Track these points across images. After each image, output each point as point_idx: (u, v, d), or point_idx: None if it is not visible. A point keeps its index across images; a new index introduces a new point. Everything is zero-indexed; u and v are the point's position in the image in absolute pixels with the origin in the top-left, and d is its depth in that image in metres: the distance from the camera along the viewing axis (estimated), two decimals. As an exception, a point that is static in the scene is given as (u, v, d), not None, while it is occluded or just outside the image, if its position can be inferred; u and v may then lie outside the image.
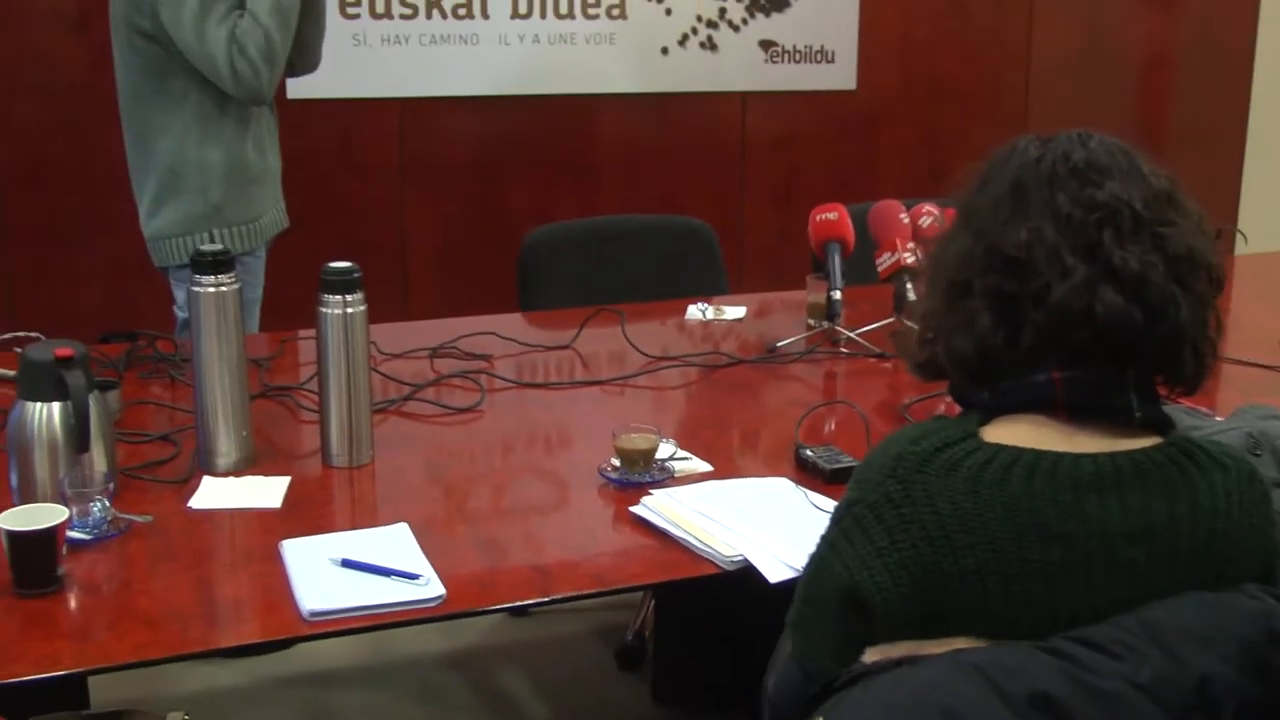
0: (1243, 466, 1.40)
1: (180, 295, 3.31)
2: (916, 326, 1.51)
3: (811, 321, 3.13)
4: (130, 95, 3.29)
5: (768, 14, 5.47)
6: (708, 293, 3.55)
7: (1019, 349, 1.36)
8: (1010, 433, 1.36)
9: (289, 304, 3.37)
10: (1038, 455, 1.32)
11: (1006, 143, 1.46)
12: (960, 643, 1.31)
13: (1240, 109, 6.47)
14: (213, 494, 2.14)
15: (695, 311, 3.32)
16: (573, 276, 3.67)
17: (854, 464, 2.15)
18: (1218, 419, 2.25)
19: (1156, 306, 1.33)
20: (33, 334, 2.70)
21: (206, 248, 2.19)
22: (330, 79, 4.76)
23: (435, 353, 2.91)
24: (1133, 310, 1.33)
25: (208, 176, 3.27)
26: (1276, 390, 2.72)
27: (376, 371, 2.65)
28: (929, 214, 3.11)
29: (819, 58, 5.62)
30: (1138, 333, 1.33)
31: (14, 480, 2.01)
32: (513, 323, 3.25)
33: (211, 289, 2.15)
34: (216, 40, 3.09)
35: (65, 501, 1.90)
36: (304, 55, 3.45)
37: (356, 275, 2.21)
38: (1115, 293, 1.33)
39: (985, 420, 1.39)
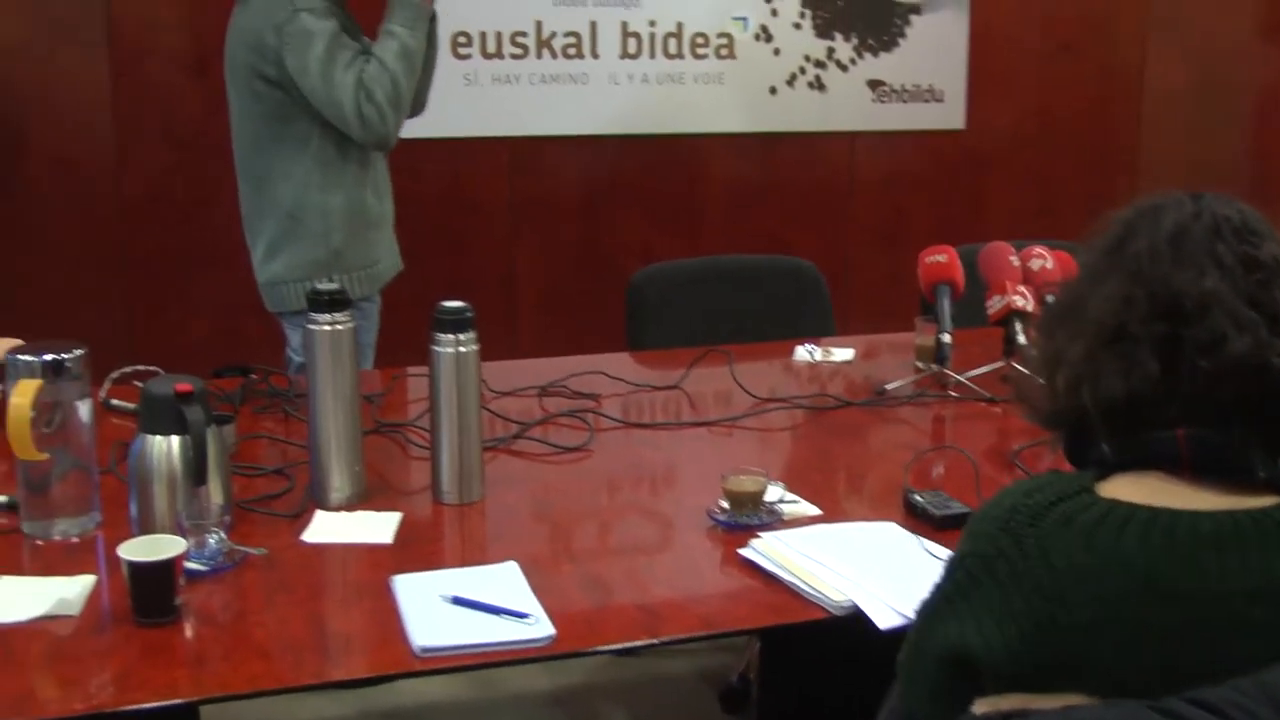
0: None
1: (295, 339, 3.32)
2: (1038, 373, 1.47)
3: (920, 364, 3.11)
4: (249, 140, 3.30)
5: (876, 54, 5.47)
6: (815, 333, 3.54)
7: (1175, 398, 1.33)
8: (1128, 488, 1.34)
9: (400, 340, 3.42)
10: (1155, 512, 1.30)
11: (1148, 197, 1.43)
12: (1071, 699, 1.28)
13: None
14: (325, 528, 2.17)
15: (803, 353, 3.31)
16: (680, 316, 3.68)
17: (964, 510, 2.13)
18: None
19: None
20: (152, 368, 2.77)
21: (323, 286, 2.22)
22: (442, 118, 4.82)
23: (544, 391, 2.93)
24: None
25: (329, 221, 3.28)
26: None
27: (486, 409, 2.66)
28: (1040, 257, 3.07)
29: (928, 97, 5.60)
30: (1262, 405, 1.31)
31: (134, 510, 2.06)
32: (621, 362, 3.26)
33: (327, 327, 2.19)
34: (344, 86, 3.11)
35: (183, 533, 1.94)
36: (415, 99, 3.49)
37: (469, 315, 2.24)
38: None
39: (1101, 476, 1.37)
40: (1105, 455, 1.37)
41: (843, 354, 3.32)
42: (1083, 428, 1.40)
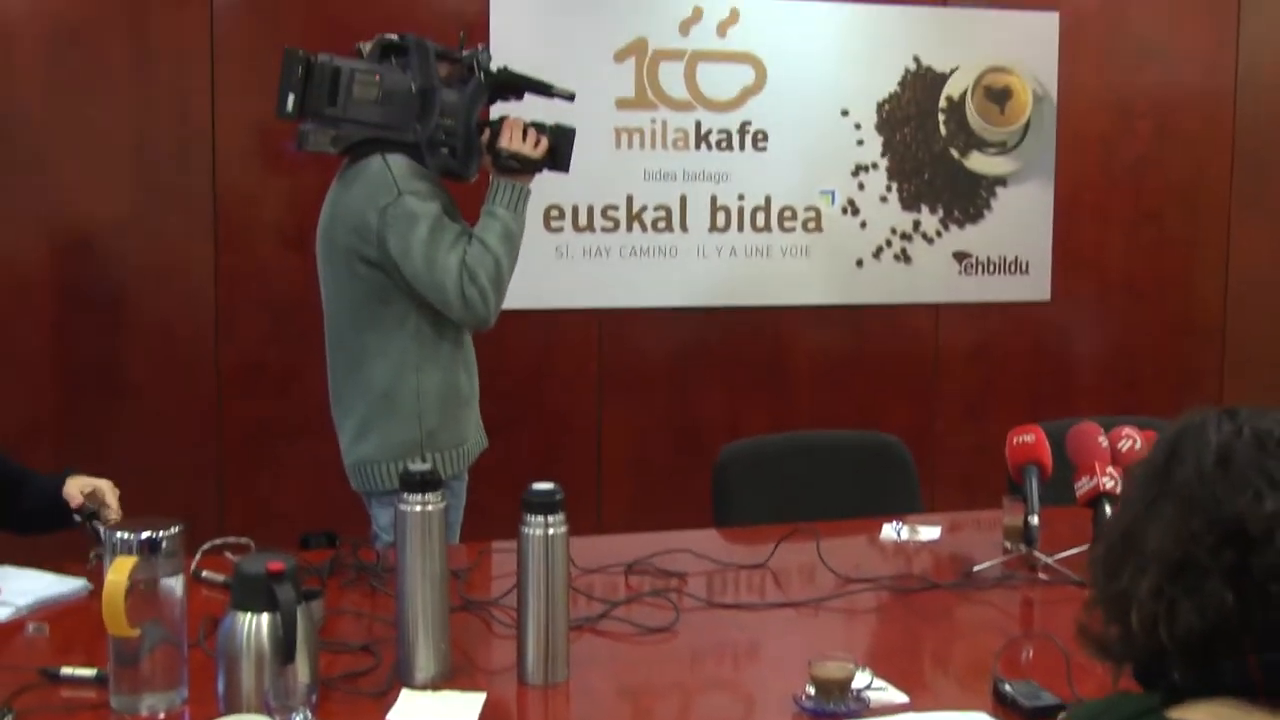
0: None
1: (384, 518, 3.29)
2: (1106, 614, 1.42)
3: (1008, 544, 3.07)
4: (346, 320, 3.31)
5: (961, 225, 5.52)
6: (902, 509, 3.52)
7: (1250, 625, 1.30)
8: (1200, 714, 1.31)
9: (487, 510, 3.44)
10: None
11: (1184, 416, 1.42)
12: None
13: None
14: (410, 708, 2.17)
15: (890, 531, 3.29)
16: (767, 492, 3.67)
17: (1055, 702, 2.10)
18: None
19: None
20: (243, 540, 2.81)
21: (415, 467, 2.26)
22: (533, 290, 4.93)
23: (630, 569, 2.93)
24: None
25: (424, 401, 3.27)
26: None
27: (572, 588, 2.67)
28: (1128, 437, 3.05)
29: (1013, 269, 5.62)
30: None
31: (220, 687, 2.07)
32: (707, 539, 3.26)
33: (418, 508, 2.22)
34: (448, 268, 3.14)
35: (269, 711, 1.95)
36: None
37: (559, 497, 2.26)
38: None
39: (1172, 700, 1.34)
40: (1176, 681, 1.34)
41: (929, 532, 3.30)
42: (1156, 657, 1.38)
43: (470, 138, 3.23)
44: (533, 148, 3.28)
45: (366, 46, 3.25)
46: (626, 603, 2.71)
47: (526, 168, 3.29)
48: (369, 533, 3.38)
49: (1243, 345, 5.85)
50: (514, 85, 3.34)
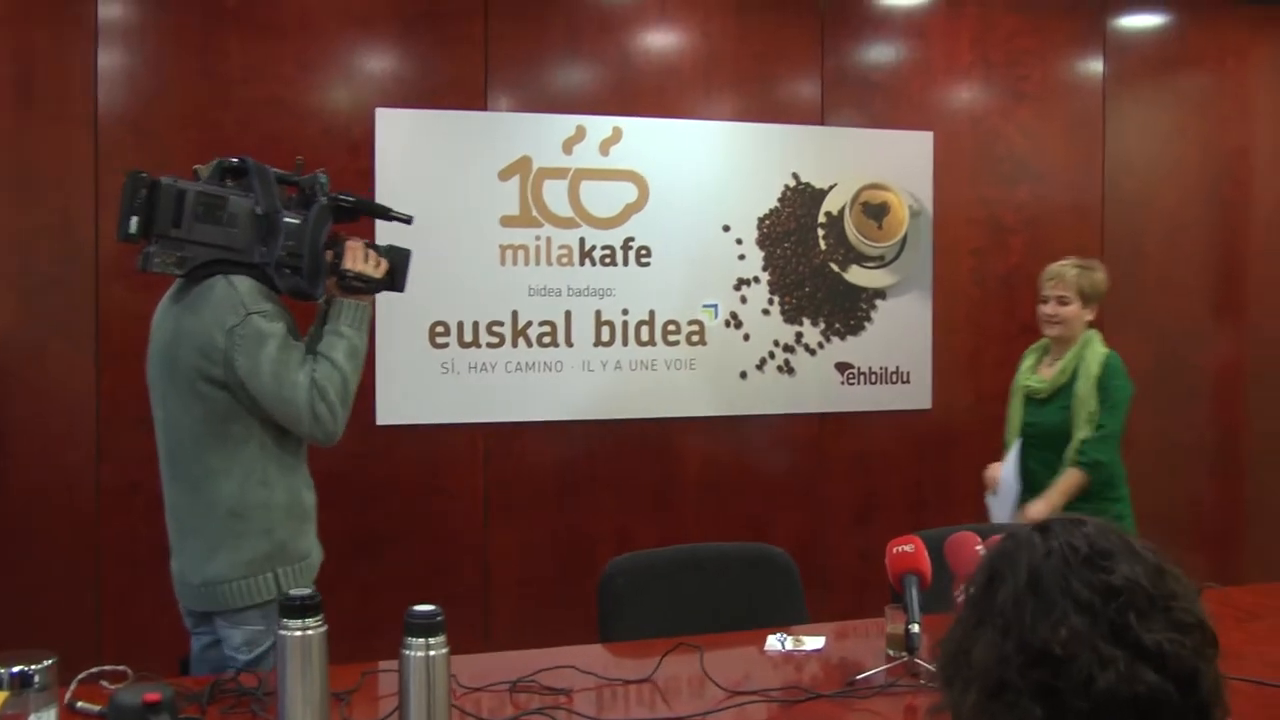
0: None
1: (236, 638, 3.23)
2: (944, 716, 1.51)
3: (891, 652, 3.12)
4: (188, 441, 3.27)
5: (843, 337, 5.63)
6: (788, 619, 3.55)
7: None
8: None
9: (373, 628, 3.42)
10: None
11: (1005, 535, 1.49)
12: None
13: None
14: (292, 837, 2.15)
15: (774, 642, 3.32)
16: (654, 605, 3.69)
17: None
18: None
19: (1187, 680, 1.36)
20: (119, 667, 2.76)
21: (295, 592, 2.26)
22: (418, 405, 4.95)
23: (514, 687, 2.92)
24: (1169, 688, 1.35)
25: (273, 516, 3.26)
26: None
27: (456, 707, 2.66)
28: (1005, 544, 3.11)
29: (894, 378, 5.74)
30: (1175, 710, 1.36)
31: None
32: (593, 654, 3.26)
33: (299, 632, 2.22)
34: (297, 386, 3.16)
35: (148, 846, 1.92)
36: None
37: (439, 619, 2.27)
38: (1153, 673, 1.35)
39: None
40: None
41: (814, 642, 3.33)
42: None
43: (317, 260, 3.25)
44: (375, 268, 3.33)
45: (205, 169, 3.26)
46: (512, 721, 2.70)
47: (369, 288, 3.34)
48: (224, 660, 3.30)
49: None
50: (352, 209, 3.39)
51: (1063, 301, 4.63)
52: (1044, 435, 4.66)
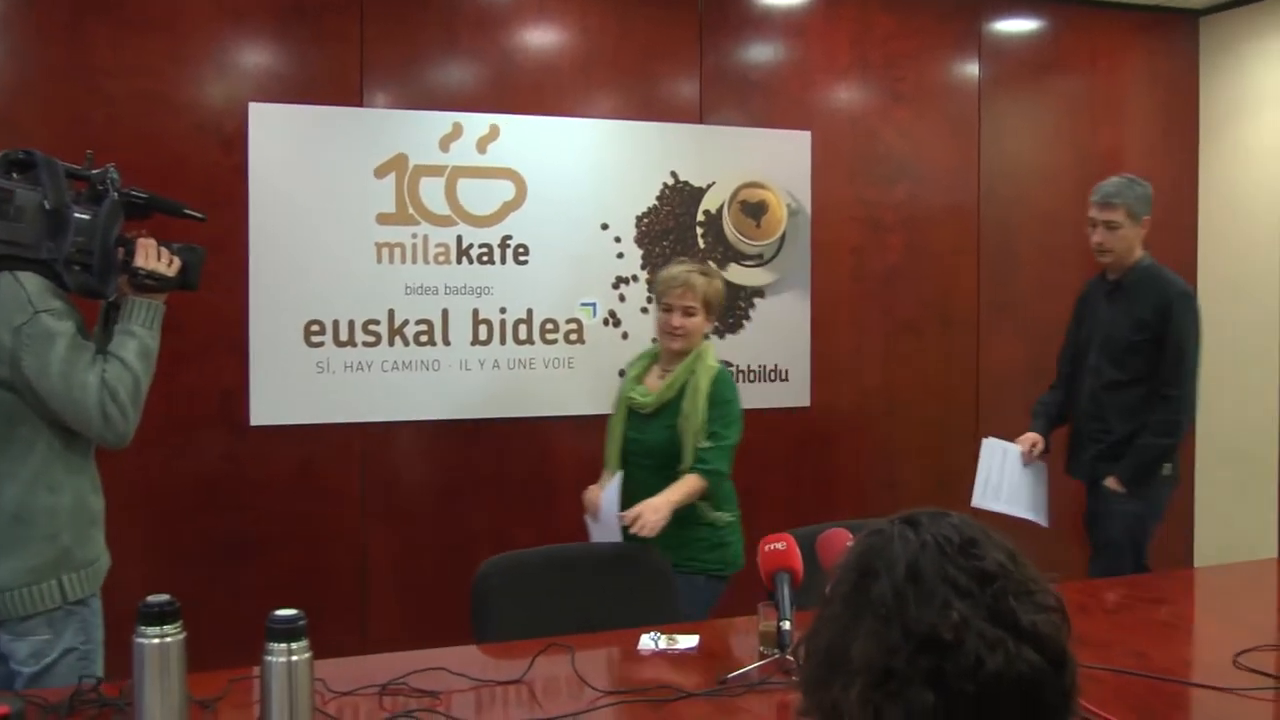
0: None
1: (21, 650, 3.07)
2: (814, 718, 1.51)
3: (764, 649, 3.13)
4: None
5: (722, 335, 5.64)
6: (662, 616, 3.56)
7: None
8: None
9: (246, 632, 3.36)
10: None
11: (868, 531, 1.50)
12: None
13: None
14: None
15: (648, 641, 3.32)
16: (527, 605, 3.68)
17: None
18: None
19: (1059, 660, 1.39)
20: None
21: (153, 598, 2.20)
22: (293, 405, 4.89)
23: (384, 690, 2.88)
24: (1047, 667, 1.37)
25: (58, 521, 3.14)
26: (1235, 714, 2.73)
27: (322, 712, 2.63)
28: (875, 541, 3.14)
29: (773, 376, 5.77)
30: (1051, 688, 1.38)
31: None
32: (466, 655, 3.23)
33: (156, 640, 2.17)
34: (87, 386, 3.05)
35: None
36: None
37: (301, 624, 2.23)
38: (1034, 653, 1.37)
39: None
40: None
41: (687, 641, 3.33)
42: None
43: (108, 257, 3.15)
44: (167, 266, 3.25)
45: None
46: (380, 726, 2.67)
47: (162, 286, 3.25)
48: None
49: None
50: (144, 206, 3.30)
51: (689, 313, 4.22)
52: (647, 453, 4.29)
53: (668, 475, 4.15)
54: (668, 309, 4.23)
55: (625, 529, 4.06)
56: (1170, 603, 3.80)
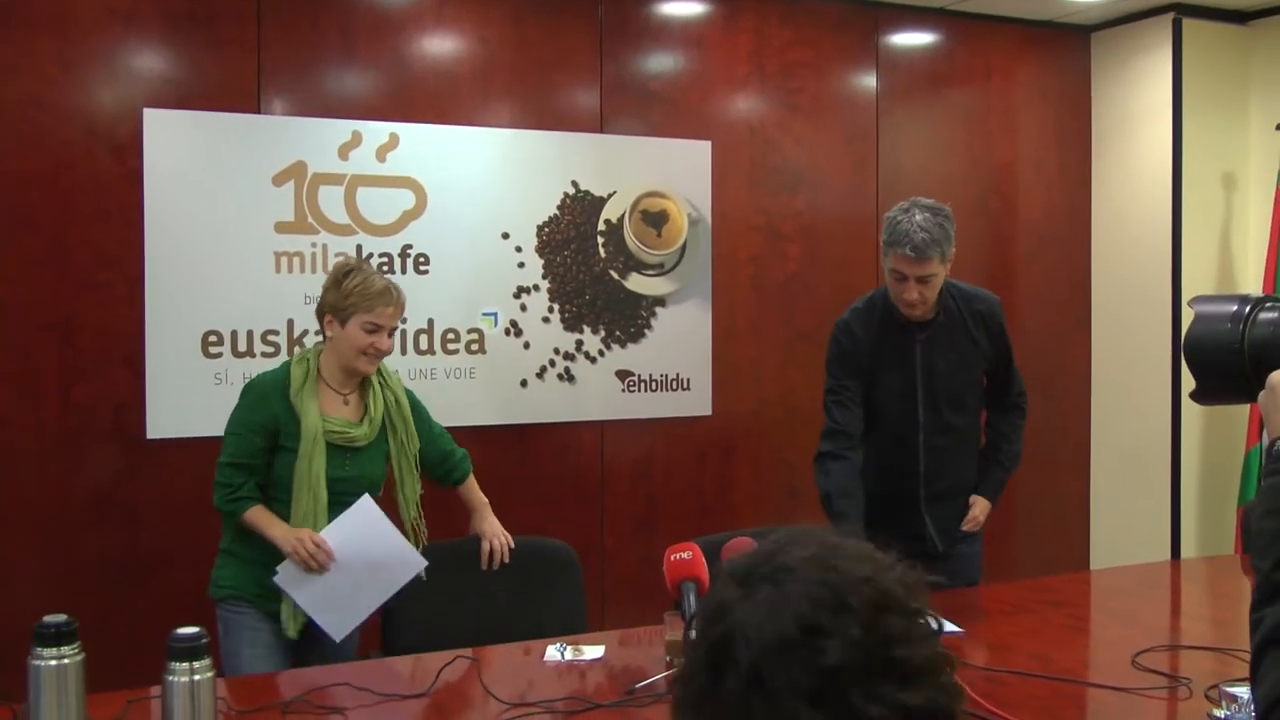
0: None
1: None
2: None
3: (670, 659, 3.14)
4: None
5: (623, 345, 5.65)
6: (571, 612, 3.57)
7: None
8: None
9: (144, 652, 3.29)
10: None
11: (712, 605, 1.35)
12: None
13: (1084, 423, 6.76)
14: None
15: (554, 651, 3.31)
16: (433, 611, 3.66)
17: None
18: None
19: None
20: None
21: (50, 619, 2.16)
22: (190, 417, 4.81)
23: (287, 708, 2.85)
24: None
25: None
26: (1133, 713, 2.79)
27: (225, 732, 2.59)
28: (781, 549, 3.14)
29: (675, 385, 5.78)
30: None
31: None
32: (370, 670, 3.20)
33: (54, 661, 2.12)
34: None
35: None
36: None
37: (204, 642, 2.20)
38: None
39: None
40: None
41: (593, 651, 3.33)
42: None
43: None
44: None
45: None
46: (283, 744, 2.63)
47: None
48: None
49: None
50: None
51: (392, 333, 3.77)
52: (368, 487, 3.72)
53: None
54: (375, 329, 3.67)
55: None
56: (1069, 605, 3.86)
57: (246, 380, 4.91)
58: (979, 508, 4.19)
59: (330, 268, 5.04)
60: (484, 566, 3.84)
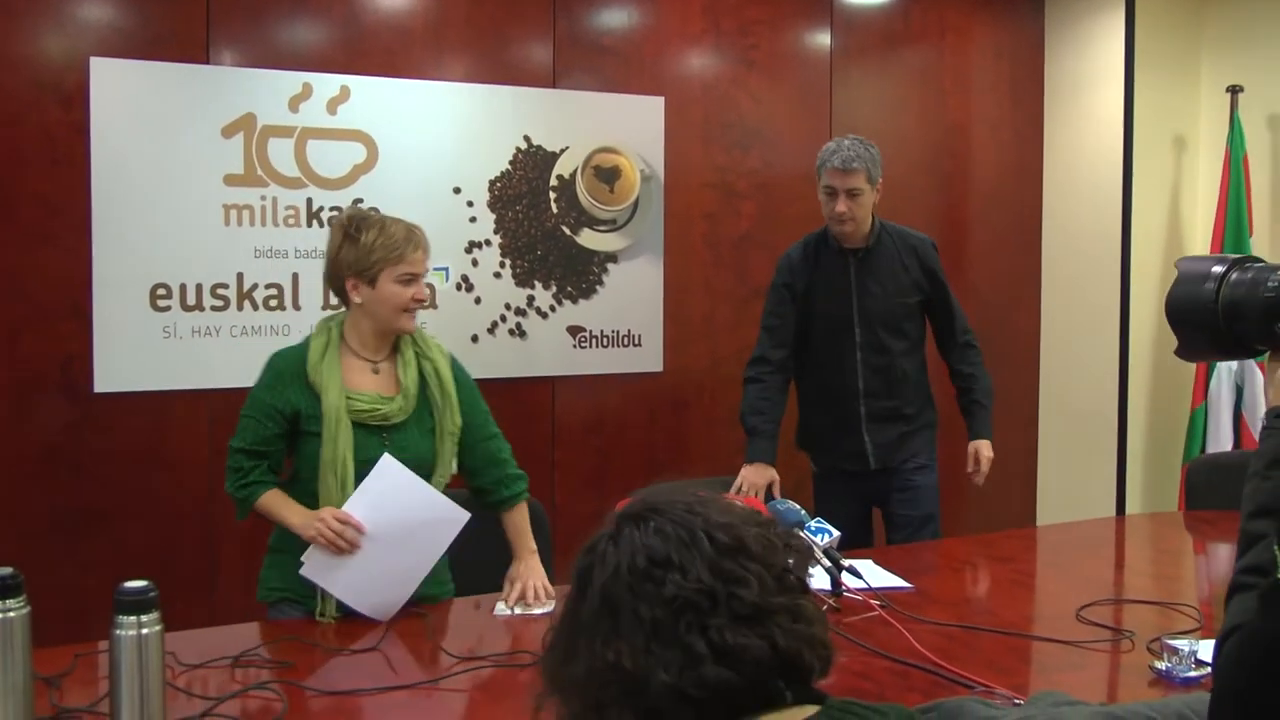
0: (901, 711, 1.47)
1: None
2: None
3: (620, 614, 3.14)
4: None
5: (575, 301, 5.64)
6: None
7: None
8: None
9: (90, 606, 3.29)
10: None
11: (592, 540, 1.52)
12: None
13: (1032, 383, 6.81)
14: (-6, 828, 2.05)
15: (503, 608, 3.32)
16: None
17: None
18: (1017, 701, 2.32)
19: (753, 665, 1.41)
20: None
21: (-2, 571, 2.15)
22: (139, 371, 4.77)
23: (236, 661, 2.84)
24: (729, 676, 1.40)
25: None
26: (1076, 665, 2.82)
27: (173, 686, 2.58)
28: (738, 500, 3.17)
29: (626, 341, 5.78)
30: (749, 690, 1.41)
31: None
32: (320, 625, 3.20)
33: (-2, 615, 2.11)
34: None
35: None
36: None
37: (152, 595, 2.18)
38: (717, 667, 1.39)
39: None
40: None
41: (543, 607, 3.34)
42: None
43: None
44: None
45: None
46: (233, 697, 2.63)
47: None
48: None
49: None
50: None
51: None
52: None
53: None
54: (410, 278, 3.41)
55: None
56: (1015, 560, 3.90)
57: (194, 334, 4.92)
58: (982, 449, 4.55)
59: (280, 220, 5.03)
60: (509, 604, 3.36)
